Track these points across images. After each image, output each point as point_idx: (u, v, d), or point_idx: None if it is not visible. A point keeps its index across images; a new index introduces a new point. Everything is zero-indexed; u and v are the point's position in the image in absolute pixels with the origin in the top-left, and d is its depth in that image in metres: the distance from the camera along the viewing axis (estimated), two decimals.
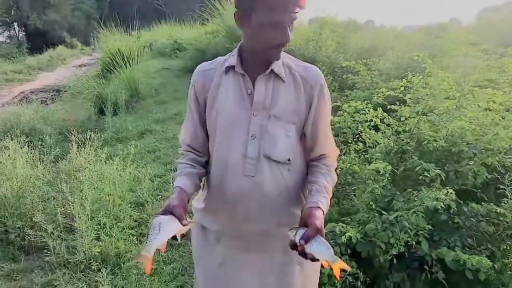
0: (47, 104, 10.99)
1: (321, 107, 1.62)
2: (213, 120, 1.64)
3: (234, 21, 1.58)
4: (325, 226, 2.66)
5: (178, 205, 1.44)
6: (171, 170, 5.41)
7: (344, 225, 2.54)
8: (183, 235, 1.44)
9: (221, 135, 1.63)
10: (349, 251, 2.55)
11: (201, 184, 1.75)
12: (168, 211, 1.43)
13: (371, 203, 2.68)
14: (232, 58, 1.64)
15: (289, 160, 1.61)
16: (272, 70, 1.58)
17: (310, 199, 1.54)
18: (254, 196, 1.60)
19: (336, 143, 1.80)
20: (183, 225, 1.41)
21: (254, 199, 1.60)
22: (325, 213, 1.51)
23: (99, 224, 3.55)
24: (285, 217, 1.66)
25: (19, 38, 35.89)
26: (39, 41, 30.67)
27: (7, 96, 13.54)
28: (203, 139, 1.72)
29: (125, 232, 3.65)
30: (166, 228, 1.38)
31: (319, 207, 1.49)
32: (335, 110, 3.82)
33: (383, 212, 2.63)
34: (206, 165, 1.72)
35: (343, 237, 2.42)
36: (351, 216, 2.77)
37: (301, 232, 1.41)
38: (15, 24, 35.92)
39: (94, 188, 3.85)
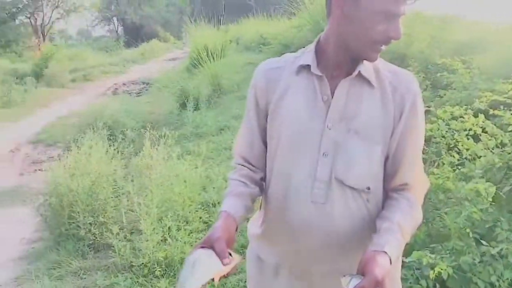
0: (136, 95, 11.35)
1: (412, 123, 1.27)
2: (275, 130, 1.34)
3: (326, 6, 1.25)
4: (410, 254, 2.30)
5: (221, 237, 1.16)
6: None
7: (432, 255, 2.13)
8: (224, 276, 1.17)
9: (284, 149, 1.32)
10: (437, 287, 2.15)
11: (256, 204, 1.47)
12: (208, 244, 1.16)
13: (467, 229, 2.25)
14: (306, 56, 1.31)
15: (368, 188, 1.27)
16: (359, 73, 1.25)
17: (375, 240, 1.18)
18: (321, 228, 1.28)
19: (425, 153, 1.40)
20: (225, 264, 1.14)
21: (321, 232, 1.29)
22: (393, 261, 1.14)
23: (166, 227, 3.41)
24: (356, 257, 1.33)
25: (117, 32, 38.05)
26: (135, 35, 32.29)
27: (101, 88, 14.28)
28: (261, 152, 1.42)
29: (192, 235, 3.49)
30: (202, 268, 1.11)
31: (384, 252, 1.12)
32: (425, 114, 3.35)
33: (483, 242, 2.18)
34: (261, 182, 1.43)
35: (431, 272, 2.02)
36: (442, 243, 2.34)
37: (355, 281, 1.07)
38: (114, 18, 38.11)
39: (163, 188, 3.72)
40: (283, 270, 1.42)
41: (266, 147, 1.41)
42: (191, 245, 3.41)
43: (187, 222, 3.68)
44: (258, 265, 1.50)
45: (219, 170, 4.61)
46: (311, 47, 1.32)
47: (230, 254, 1.16)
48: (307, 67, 1.29)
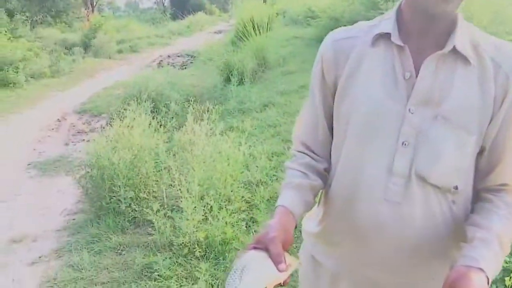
0: (180, 68, 11.28)
1: None
2: (344, 111, 1.12)
3: None
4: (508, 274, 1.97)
5: (276, 238, 0.96)
6: (289, 148, 5.01)
7: None
8: (280, 285, 0.98)
9: (355, 135, 1.11)
10: None
11: (317, 199, 1.27)
12: (262, 245, 0.97)
13: None
14: (385, 24, 1.08)
15: (456, 188, 1.05)
16: (453, 48, 1.01)
17: (467, 252, 0.96)
18: (395, 232, 1.07)
19: None
20: (281, 270, 0.94)
21: (394, 237, 1.08)
22: (490, 280, 0.91)
23: (208, 206, 3.27)
24: (437, 269, 1.11)
25: (164, 4, 38.12)
26: (181, 7, 32.26)
27: (147, 59, 14.30)
28: (325, 138, 1.21)
29: (234, 216, 3.34)
30: (253, 274, 0.92)
31: (481, 269, 0.90)
32: None
33: None
34: (324, 174, 1.22)
35: None
36: None
37: None
38: None
39: (206, 165, 3.58)
40: (343, 278, 1.22)
41: (332, 132, 1.21)
42: (233, 226, 3.27)
43: (229, 201, 3.53)
44: (313, 269, 1.31)
45: (262, 148, 4.43)
46: (391, 14, 1.09)
47: (285, 261, 0.97)
48: (386, 36, 1.06)
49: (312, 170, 1.19)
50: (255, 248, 0.97)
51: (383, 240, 1.09)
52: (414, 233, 1.06)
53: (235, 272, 0.92)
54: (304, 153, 1.22)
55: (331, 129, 1.20)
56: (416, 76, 1.03)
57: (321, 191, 1.27)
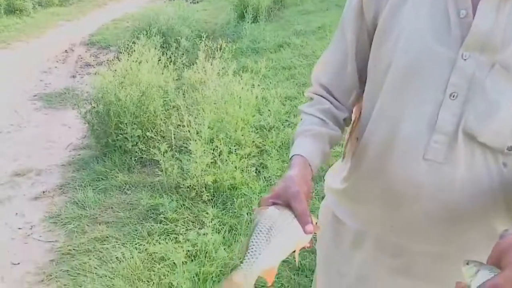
0: (192, 2, 10.85)
1: None
2: (384, 55, 0.95)
3: None
4: None
5: (300, 193, 0.81)
6: (303, 92, 4.81)
7: None
8: (304, 247, 0.85)
9: (394, 82, 0.94)
10: None
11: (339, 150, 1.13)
12: (283, 200, 0.82)
13: None
14: None
15: (510, 148, 0.89)
16: None
17: None
18: (434, 195, 0.94)
19: None
20: (307, 232, 0.79)
21: (433, 200, 0.94)
22: None
23: (217, 149, 3.15)
24: (474, 240, 0.98)
25: None
26: None
27: None
28: (352, 83, 1.05)
29: (244, 161, 3.23)
30: (282, 237, 0.78)
31: None
32: None
33: None
34: (343, 125, 1.08)
35: None
36: None
37: (484, 275, 0.71)
38: None
39: (216, 107, 3.42)
40: (368, 242, 1.10)
41: (360, 77, 1.04)
42: (242, 171, 3.17)
43: (239, 146, 3.40)
44: (335, 227, 1.19)
45: (276, 91, 4.24)
46: None
47: (313, 221, 0.82)
48: None
49: (331, 118, 1.05)
50: (274, 203, 0.83)
51: (417, 204, 0.96)
52: (454, 198, 0.93)
53: (260, 232, 0.78)
54: (324, 97, 1.07)
55: (360, 73, 1.04)
56: (473, 15, 0.85)
57: (347, 143, 1.14)
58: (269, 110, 3.97)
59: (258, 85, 3.85)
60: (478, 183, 0.92)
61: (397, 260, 1.06)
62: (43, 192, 3.27)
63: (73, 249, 2.59)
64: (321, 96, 1.08)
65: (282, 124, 3.93)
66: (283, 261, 2.48)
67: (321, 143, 1.00)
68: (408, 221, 0.99)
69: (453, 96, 0.88)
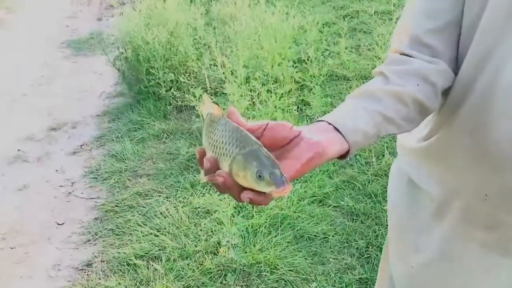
0: None
1: None
2: None
3: None
4: None
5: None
6: (342, 17, 4.44)
7: None
8: None
9: (494, 20, 0.72)
10: None
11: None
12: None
13: None
14: None
15: None
16: None
17: None
18: None
19: None
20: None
21: None
22: None
23: (255, 89, 2.93)
24: None
25: None
26: None
27: None
28: (452, 21, 0.77)
29: (284, 100, 3.01)
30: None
31: None
32: None
33: None
34: (442, 83, 0.76)
35: None
36: None
37: None
38: None
39: (250, 43, 3.16)
40: (455, 211, 0.90)
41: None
42: (283, 111, 2.96)
43: (278, 83, 3.17)
44: (411, 193, 0.99)
45: (313, 18, 3.89)
46: None
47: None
48: None
49: (422, 78, 0.73)
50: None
51: None
52: None
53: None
54: (411, 56, 0.76)
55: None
56: None
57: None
58: (306, 40, 3.66)
59: (293, 14, 3.53)
60: None
61: (491, 235, 0.86)
62: (81, 146, 3.19)
63: (116, 206, 2.52)
64: (407, 55, 0.77)
65: (322, 55, 3.63)
66: (335, 206, 2.27)
67: (386, 106, 0.69)
68: (508, 189, 0.79)
69: None
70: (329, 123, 0.63)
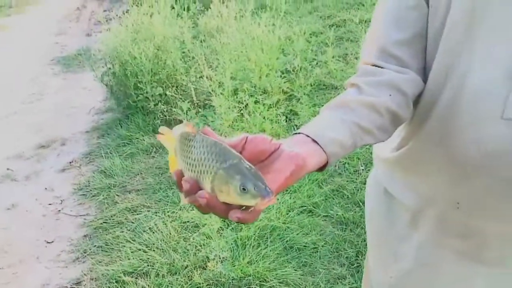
0: None
1: None
2: None
3: None
4: None
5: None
6: (329, 26, 4.47)
7: None
8: None
9: (458, 19, 0.73)
10: None
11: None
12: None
13: None
14: None
15: None
16: None
17: None
18: None
19: None
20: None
21: None
22: None
23: (243, 101, 2.94)
24: None
25: None
26: None
27: None
28: (417, 33, 0.78)
29: (272, 110, 3.01)
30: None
31: None
32: None
33: None
34: (412, 91, 0.76)
35: None
36: None
37: None
38: None
39: (237, 54, 3.17)
40: (429, 220, 0.90)
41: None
42: (271, 121, 2.97)
43: (266, 94, 3.18)
44: (387, 204, 0.99)
45: (300, 28, 3.92)
46: None
47: None
48: None
49: (392, 88, 0.74)
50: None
51: (492, 174, 0.75)
52: None
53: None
54: (380, 67, 0.77)
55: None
56: None
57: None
58: (293, 50, 3.68)
59: (279, 24, 3.55)
60: None
61: (466, 243, 0.86)
62: (70, 163, 3.18)
63: (105, 222, 2.50)
64: (377, 66, 0.77)
65: (310, 64, 3.66)
66: (324, 215, 2.25)
67: (361, 116, 0.70)
68: (479, 196, 0.79)
69: None
70: (307, 135, 0.63)
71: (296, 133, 0.65)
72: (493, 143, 0.73)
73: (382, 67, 0.76)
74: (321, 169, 0.63)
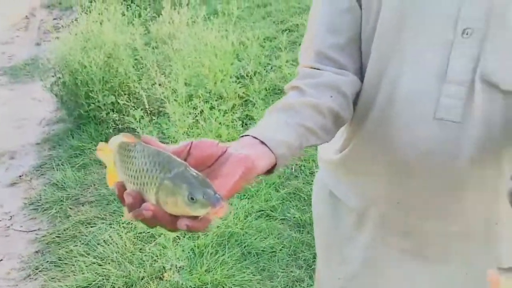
0: None
1: None
2: None
3: None
4: None
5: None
6: (282, 31, 4.51)
7: None
8: None
9: (389, 22, 0.75)
10: None
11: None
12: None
13: None
14: None
15: None
16: None
17: None
18: (448, 163, 0.74)
19: None
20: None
21: (448, 169, 0.75)
22: None
23: (198, 107, 2.91)
24: (502, 211, 0.81)
25: None
26: None
27: None
28: (352, 37, 0.79)
29: (228, 116, 3.00)
30: None
31: None
32: None
33: None
34: (352, 92, 0.78)
35: None
36: None
37: None
38: None
39: (190, 61, 3.15)
40: (372, 220, 0.91)
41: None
42: (228, 127, 2.96)
43: (221, 99, 3.17)
44: (332, 206, 1.00)
45: (253, 34, 3.93)
46: None
47: None
48: None
49: (333, 89, 0.75)
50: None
51: (428, 174, 0.77)
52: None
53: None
54: (317, 69, 0.78)
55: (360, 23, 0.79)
56: None
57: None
58: (247, 55, 3.69)
59: (233, 30, 3.55)
60: (509, 144, 0.73)
61: (408, 241, 0.88)
62: (20, 176, 3.05)
63: (57, 237, 2.42)
64: (315, 68, 0.79)
65: (264, 69, 3.68)
66: (282, 218, 2.27)
67: (305, 118, 0.70)
68: (416, 195, 0.81)
69: (467, 34, 0.68)
70: (255, 137, 0.62)
71: (243, 136, 0.64)
72: (427, 144, 0.75)
73: (320, 69, 0.77)
74: (269, 171, 0.63)
